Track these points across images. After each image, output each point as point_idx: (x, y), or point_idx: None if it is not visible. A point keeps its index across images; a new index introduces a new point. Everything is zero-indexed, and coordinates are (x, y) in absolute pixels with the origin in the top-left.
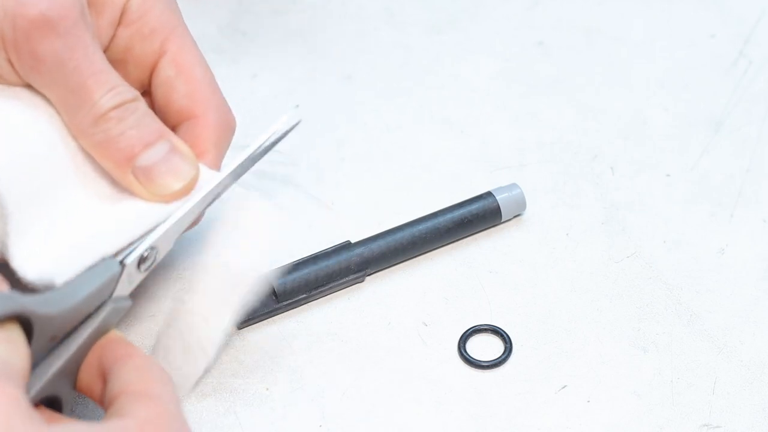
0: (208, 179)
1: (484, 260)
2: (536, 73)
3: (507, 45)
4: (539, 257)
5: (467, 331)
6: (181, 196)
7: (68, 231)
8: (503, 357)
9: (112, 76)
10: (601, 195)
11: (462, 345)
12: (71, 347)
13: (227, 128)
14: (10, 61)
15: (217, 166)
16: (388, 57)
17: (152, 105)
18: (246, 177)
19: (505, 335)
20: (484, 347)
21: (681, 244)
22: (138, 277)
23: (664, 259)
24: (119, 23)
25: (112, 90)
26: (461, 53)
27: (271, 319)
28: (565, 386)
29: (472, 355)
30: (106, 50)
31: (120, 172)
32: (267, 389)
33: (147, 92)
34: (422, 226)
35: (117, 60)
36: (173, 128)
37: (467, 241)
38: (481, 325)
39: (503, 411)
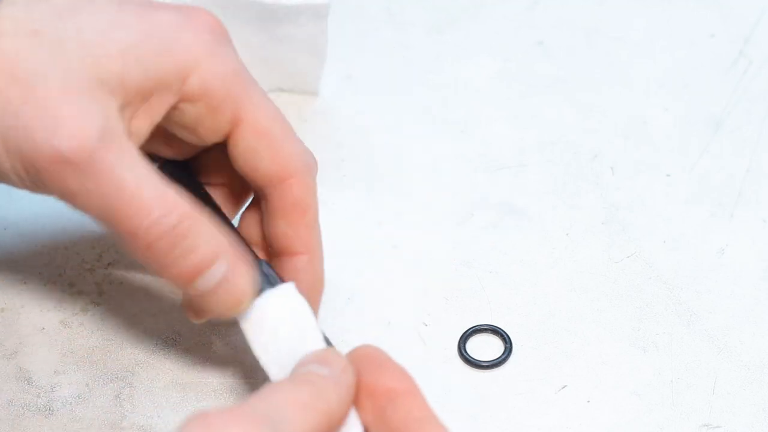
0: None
1: (484, 260)
2: (536, 73)
3: (507, 45)
4: (539, 257)
5: (467, 331)
6: (237, 313)
7: None
8: (503, 357)
9: (151, 194)
10: (601, 195)
11: (462, 345)
12: None
13: (315, 172)
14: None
15: (316, 219)
16: (388, 57)
17: (232, 161)
18: None
19: (505, 335)
20: (484, 347)
21: (681, 244)
22: None
23: (664, 259)
24: (180, 101)
25: (150, 215)
26: (461, 53)
27: None
28: (565, 386)
29: (472, 355)
30: (170, 123)
31: (183, 290)
32: None
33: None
34: None
35: (185, 127)
36: (263, 194)
37: (467, 241)
38: (481, 325)
39: (503, 411)
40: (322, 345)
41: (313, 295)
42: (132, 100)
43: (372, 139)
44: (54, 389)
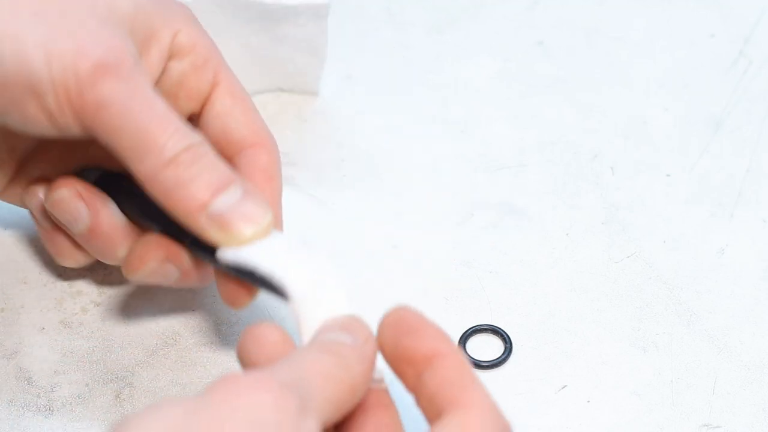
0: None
1: (484, 260)
2: (536, 73)
3: (507, 45)
4: (539, 257)
5: (467, 331)
6: (254, 241)
7: None
8: (503, 357)
9: (175, 119)
10: (601, 195)
11: (462, 345)
12: None
13: (278, 153)
14: (71, 112)
15: (281, 191)
16: (388, 57)
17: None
18: None
19: (505, 335)
20: (484, 347)
21: (681, 244)
22: None
23: (664, 259)
24: (170, 57)
25: (177, 132)
26: (461, 53)
27: None
28: (565, 386)
29: (472, 355)
30: (157, 84)
31: (192, 218)
32: None
33: (195, 123)
34: None
35: (168, 93)
36: (230, 158)
37: (467, 241)
38: (481, 325)
39: (503, 411)
40: (345, 306)
41: None
42: (139, 45)
43: (372, 139)
44: (54, 389)
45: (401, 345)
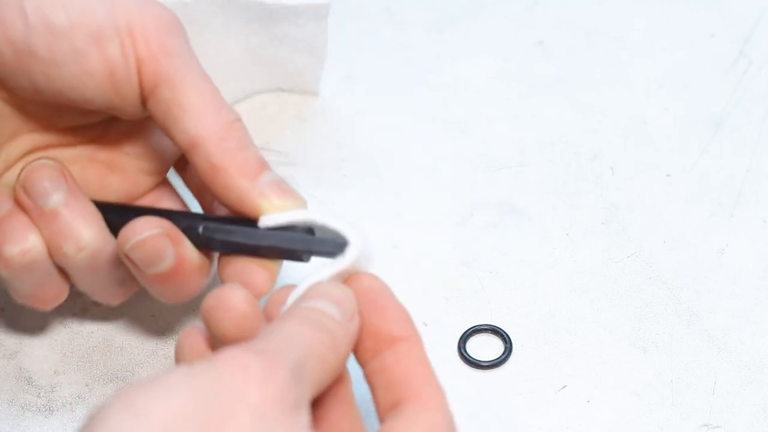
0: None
1: (484, 260)
2: (536, 73)
3: (507, 45)
4: (539, 257)
5: (467, 331)
6: (294, 208)
7: None
8: (503, 357)
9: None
10: (601, 195)
11: (462, 345)
12: None
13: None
14: (136, 58)
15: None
16: (388, 57)
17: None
18: None
19: (505, 335)
20: (484, 347)
21: (681, 244)
22: None
23: (664, 259)
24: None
25: (226, 104)
26: (461, 53)
27: None
28: (565, 386)
29: (472, 355)
30: None
31: (250, 182)
32: None
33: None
34: None
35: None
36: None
37: (467, 241)
38: (481, 325)
39: (503, 411)
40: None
41: None
42: None
43: (372, 139)
44: (54, 389)
45: (367, 318)
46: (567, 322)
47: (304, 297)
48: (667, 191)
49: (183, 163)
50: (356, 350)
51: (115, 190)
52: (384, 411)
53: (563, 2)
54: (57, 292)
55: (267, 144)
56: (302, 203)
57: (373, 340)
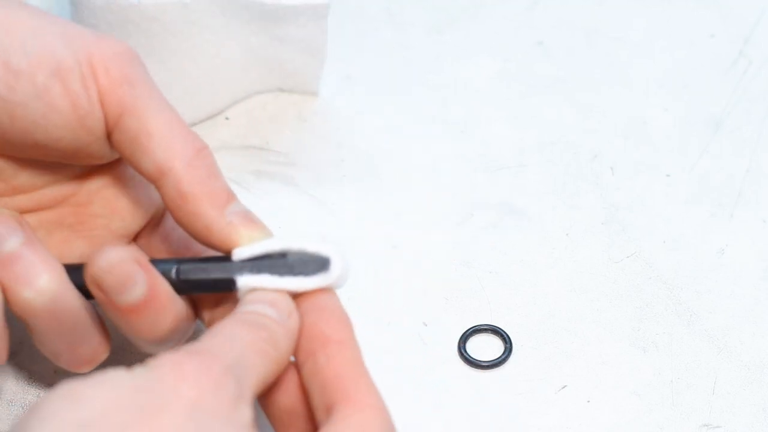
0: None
1: (484, 260)
2: (536, 73)
3: (507, 45)
4: (539, 257)
5: (467, 331)
6: (261, 238)
7: None
8: (503, 357)
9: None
10: (601, 195)
11: (462, 345)
12: None
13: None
14: (98, 90)
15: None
16: (388, 57)
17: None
18: (246, 177)
19: (505, 335)
20: (484, 347)
21: (681, 244)
22: None
23: (664, 259)
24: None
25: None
26: (461, 53)
27: None
28: (565, 386)
29: (472, 355)
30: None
31: (217, 216)
32: None
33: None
34: None
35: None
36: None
37: (467, 241)
38: (481, 325)
39: (503, 411)
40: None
41: None
42: None
43: (372, 139)
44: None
45: (304, 318)
46: (567, 322)
47: (240, 304)
48: (667, 191)
49: (150, 229)
50: (294, 351)
51: (79, 256)
52: (320, 416)
53: (563, 2)
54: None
55: (267, 144)
56: (269, 233)
57: (308, 340)
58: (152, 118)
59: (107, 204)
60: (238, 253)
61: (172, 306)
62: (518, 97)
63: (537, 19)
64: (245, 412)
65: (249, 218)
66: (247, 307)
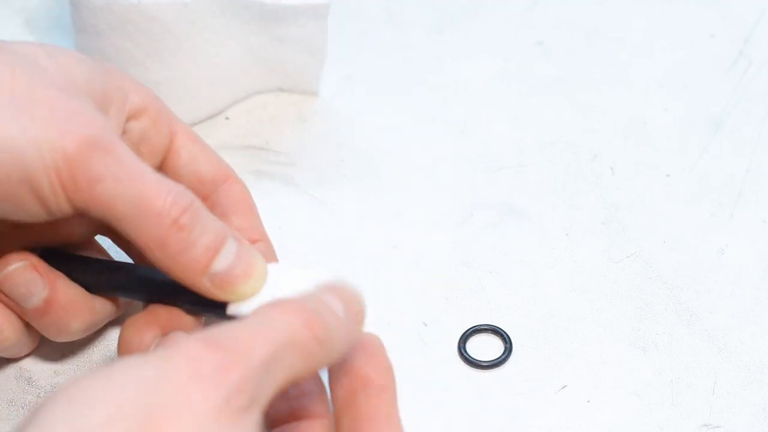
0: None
1: (484, 260)
2: (536, 73)
3: (507, 45)
4: (539, 257)
5: (467, 331)
6: (252, 294)
7: None
8: (503, 357)
9: (166, 180)
10: (601, 195)
11: (462, 345)
12: None
13: (243, 182)
14: (65, 194)
15: (260, 217)
16: (388, 57)
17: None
18: (246, 177)
19: (505, 335)
20: (484, 347)
21: (681, 244)
22: None
23: (664, 259)
24: (128, 118)
25: (171, 194)
26: (461, 53)
27: None
28: (565, 386)
29: (472, 355)
30: None
31: (196, 282)
32: None
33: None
34: None
35: (134, 148)
36: (207, 197)
37: (467, 241)
38: (481, 325)
39: (503, 411)
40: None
41: None
42: (99, 105)
43: (372, 139)
44: (54, 389)
45: (351, 358)
46: (567, 322)
47: (314, 290)
48: (667, 191)
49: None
50: (334, 384)
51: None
52: None
53: (563, 2)
54: None
55: (267, 144)
56: (260, 274)
57: (350, 378)
58: (118, 207)
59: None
60: (233, 309)
61: (80, 307)
62: (518, 97)
63: (537, 19)
64: (254, 418)
65: (230, 275)
66: (318, 295)
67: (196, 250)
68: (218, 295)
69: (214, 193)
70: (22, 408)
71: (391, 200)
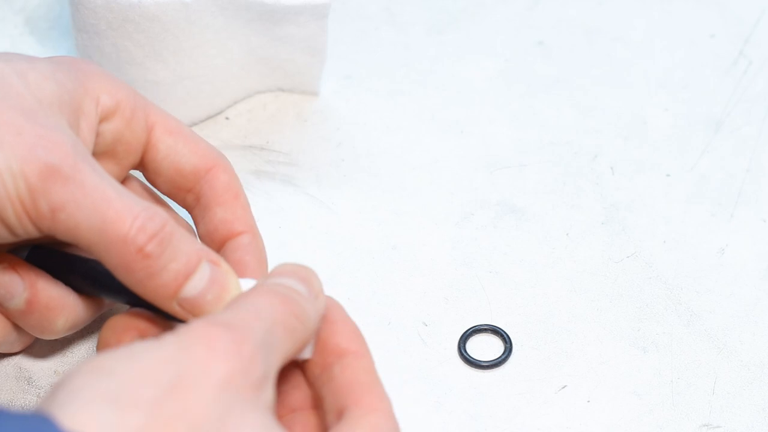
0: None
1: (484, 260)
2: (536, 73)
3: (507, 45)
4: (539, 257)
5: (467, 331)
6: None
7: None
8: (503, 357)
9: (133, 202)
10: (601, 195)
11: (462, 345)
12: None
13: (233, 168)
14: (30, 220)
15: (248, 204)
16: (388, 57)
17: (154, 178)
18: (246, 177)
19: (505, 335)
20: (484, 347)
21: (681, 244)
22: None
23: (664, 259)
24: (99, 122)
25: (138, 218)
26: (461, 53)
27: None
28: (565, 386)
29: (472, 355)
30: (93, 152)
31: (164, 304)
32: None
33: (143, 171)
34: None
35: (107, 154)
36: (191, 189)
37: (467, 241)
38: (481, 325)
39: (503, 411)
40: None
41: (261, 267)
42: (70, 119)
43: (372, 139)
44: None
45: (320, 334)
46: (567, 322)
47: (270, 275)
48: (667, 191)
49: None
50: (308, 363)
51: None
52: (331, 419)
53: (563, 2)
54: None
55: (267, 144)
56: (229, 301)
57: (322, 353)
58: (83, 234)
59: None
60: None
61: (63, 306)
62: (518, 97)
63: (537, 19)
64: (269, 394)
65: (202, 302)
66: (280, 279)
67: (164, 276)
68: (189, 318)
69: (197, 184)
70: (22, 408)
71: (391, 200)
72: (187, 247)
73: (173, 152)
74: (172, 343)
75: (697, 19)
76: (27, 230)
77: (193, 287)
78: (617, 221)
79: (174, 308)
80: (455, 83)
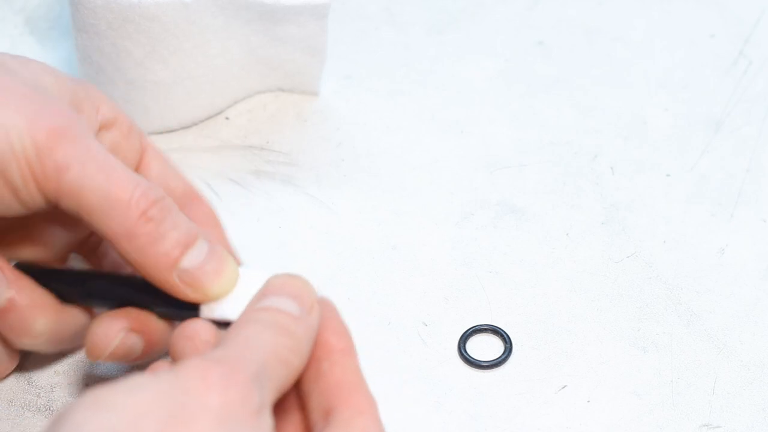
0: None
1: (484, 260)
2: (536, 73)
3: (507, 45)
4: (539, 257)
5: (467, 331)
6: (224, 295)
7: None
8: (503, 357)
9: (135, 174)
10: (601, 195)
11: (462, 345)
12: None
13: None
14: (35, 182)
15: (226, 235)
16: (388, 57)
17: None
18: (246, 177)
19: (505, 335)
20: (484, 347)
21: (681, 244)
22: None
23: (664, 259)
24: (99, 128)
25: (140, 186)
26: (461, 53)
27: None
28: (565, 386)
29: (472, 355)
30: None
31: (164, 276)
32: None
33: None
34: None
35: None
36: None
37: (467, 241)
38: (481, 325)
39: (503, 411)
40: None
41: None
42: (72, 106)
43: (372, 139)
44: (54, 389)
45: None
46: (567, 322)
47: (261, 294)
48: (667, 191)
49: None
50: None
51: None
52: (317, 418)
53: (563, 2)
54: None
55: (267, 144)
56: (228, 277)
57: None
58: (88, 196)
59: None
60: (206, 312)
61: (44, 308)
62: (518, 97)
63: (537, 19)
64: (267, 421)
65: (198, 273)
66: (269, 302)
67: (165, 243)
68: (188, 293)
69: (184, 208)
70: (22, 408)
71: (391, 200)
72: (185, 220)
73: (164, 175)
74: (168, 376)
75: (697, 19)
76: (31, 194)
77: (193, 257)
78: (617, 221)
79: (173, 280)
80: (455, 83)
